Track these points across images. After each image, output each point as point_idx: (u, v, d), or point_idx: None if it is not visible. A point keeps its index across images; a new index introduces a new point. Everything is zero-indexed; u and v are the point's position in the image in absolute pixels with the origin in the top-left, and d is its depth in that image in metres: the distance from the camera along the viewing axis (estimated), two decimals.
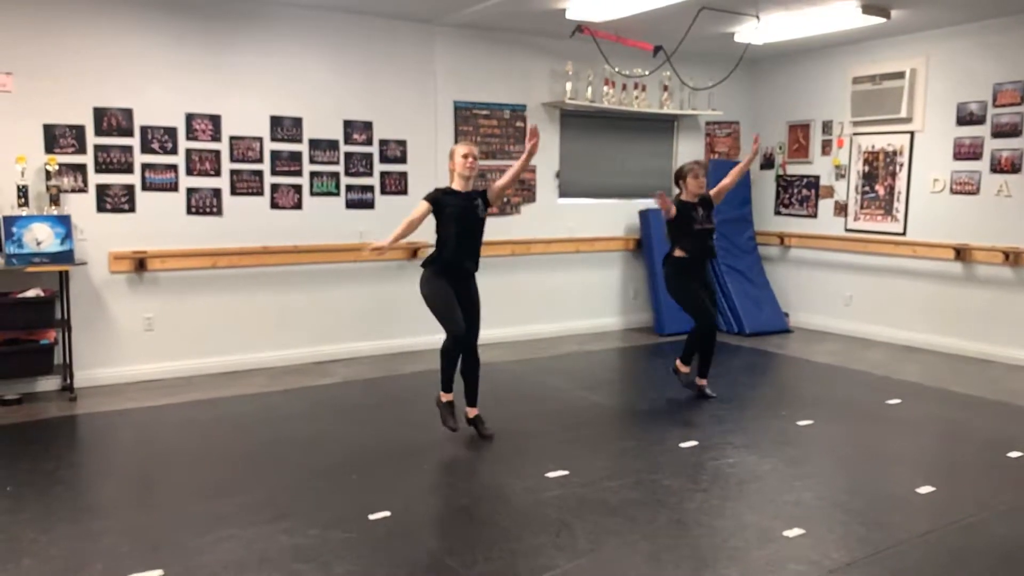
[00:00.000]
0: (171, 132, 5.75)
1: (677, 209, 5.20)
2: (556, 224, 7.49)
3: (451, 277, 4.49)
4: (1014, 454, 4.32)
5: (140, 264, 5.69)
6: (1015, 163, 6.39)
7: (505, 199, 7.21)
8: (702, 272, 5.34)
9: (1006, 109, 6.43)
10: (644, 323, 8.03)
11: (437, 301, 4.46)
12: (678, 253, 5.26)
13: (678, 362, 5.46)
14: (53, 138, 5.38)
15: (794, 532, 3.35)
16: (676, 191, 5.47)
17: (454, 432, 4.50)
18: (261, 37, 6.01)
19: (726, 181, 5.41)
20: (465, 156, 4.50)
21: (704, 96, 7.83)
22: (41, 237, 5.16)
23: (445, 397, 4.54)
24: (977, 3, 6.03)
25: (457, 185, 4.54)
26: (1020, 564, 3.14)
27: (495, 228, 7.06)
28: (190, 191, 5.86)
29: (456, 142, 6.70)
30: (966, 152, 6.72)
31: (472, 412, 4.64)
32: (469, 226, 4.51)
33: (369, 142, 6.52)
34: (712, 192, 5.36)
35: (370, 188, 6.55)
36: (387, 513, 3.50)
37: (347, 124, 6.41)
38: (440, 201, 4.47)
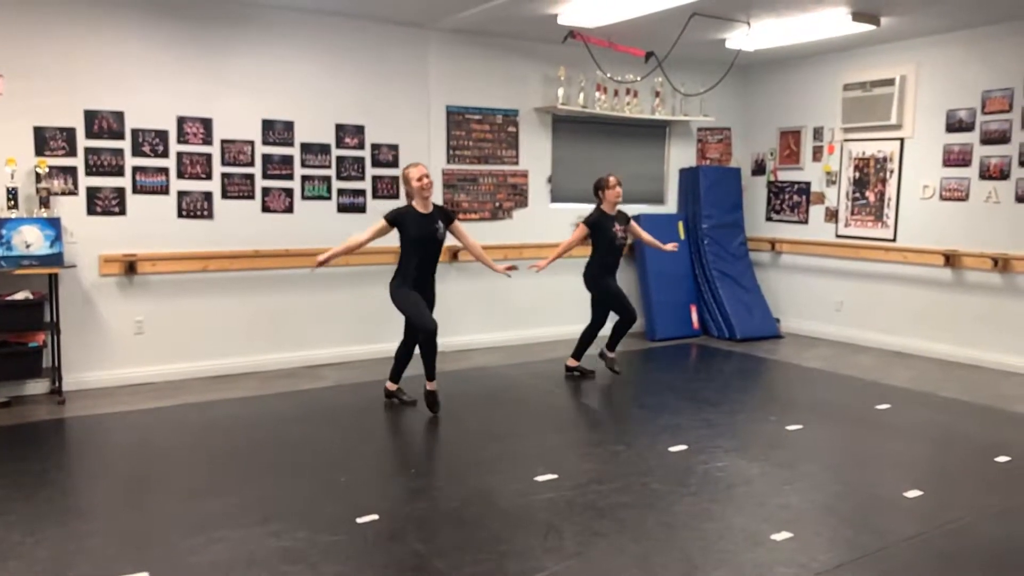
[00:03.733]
0: (162, 135, 5.75)
1: (597, 222, 5.82)
2: (548, 229, 7.49)
3: (416, 286, 4.96)
4: (1002, 458, 4.34)
5: (130, 267, 5.68)
6: (1003, 170, 6.44)
7: (497, 204, 7.23)
8: (610, 270, 6.02)
9: (995, 116, 6.48)
10: (636, 328, 7.99)
11: (409, 306, 4.91)
12: (598, 259, 5.92)
13: (570, 360, 6.16)
14: (43, 140, 5.37)
15: (782, 535, 3.35)
16: (596, 201, 5.97)
17: (413, 404, 5.06)
18: (253, 40, 6.01)
19: (645, 237, 6.22)
20: (419, 180, 4.83)
21: (696, 102, 7.87)
22: (31, 239, 5.15)
23: (393, 386, 5.14)
24: (966, 11, 6.08)
25: (418, 206, 4.87)
26: (1008, 567, 3.15)
27: (488, 232, 7.09)
28: (181, 194, 5.86)
29: (457, 145, 6.85)
30: (955, 159, 6.76)
31: (431, 385, 5.00)
32: (429, 251, 4.94)
33: (361, 146, 6.52)
34: (634, 227, 6.07)
35: (362, 192, 6.55)
36: (375, 516, 3.50)
37: (339, 128, 6.42)
38: (402, 223, 4.83)
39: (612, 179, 5.88)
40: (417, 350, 5.05)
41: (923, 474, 4.26)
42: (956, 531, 3.44)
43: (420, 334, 4.88)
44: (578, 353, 6.14)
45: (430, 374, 5.02)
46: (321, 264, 4.89)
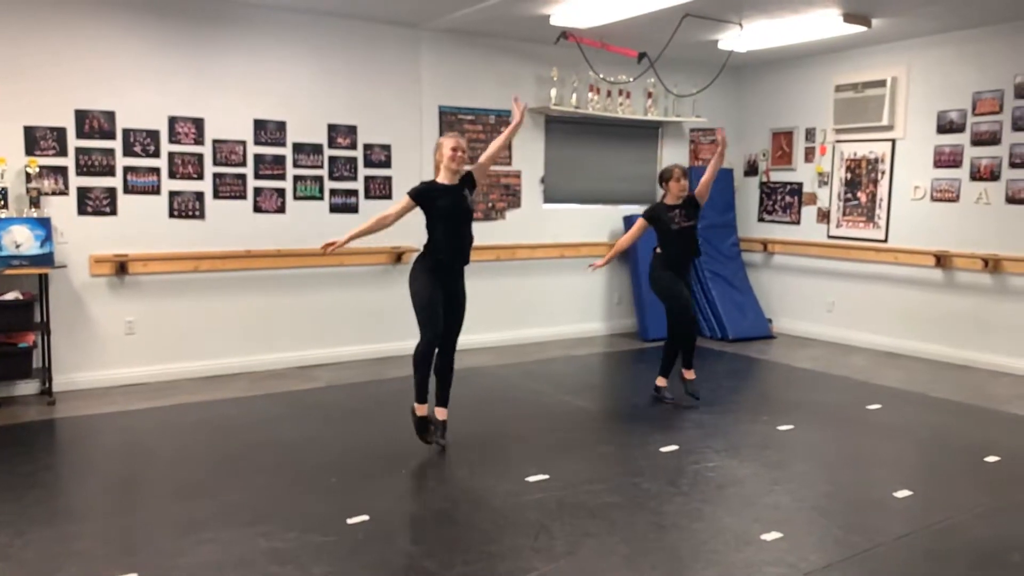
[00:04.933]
0: (154, 135, 5.73)
1: (653, 214, 5.37)
2: (541, 229, 7.50)
3: (441, 274, 4.38)
4: (991, 458, 4.36)
5: (121, 267, 5.66)
6: (994, 171, 6.47)
7: (490, 204, 7.22)
8: (684, 271, 5.39)
9: (985, 118, 6.51)
10: (628, 328, 8.06)
11: (422, 301, 4.31)
12: (659, 251, 5.38)
13: (659, 380, 5.49)
14: (34, 140, 5.34)
15: (772, 535, 3.36)
16: (660, 192, 5.54)
17: (438, 444, 4.41)
18: (245, 40, 6.00)
19: (705, 177, 5.38)
20: (454, 149, 4.34)
21: (688, 103, 7.88)
22: (21, 240, 5.13)
23: (420, 410, 4.37)
24: (957, 13, 6.11)
25: (443, 178, 4.41)
26: (996, 567, 3.16)
27: (481, 233, 7.04)
28: (172, 194, 5.84)
29: (442, 134, 6.71)
30: (946, 160, 6.79)
31: (441, 414, 4.50)
32: (458, 222, 4.40)
33: (353, 146, 6.51)
34: (696, 192, 5.38)
35: (354, 192, 6.54)
36: (366, 517, 3.49)
37: (331, 128, 6.41)
38: (427, 196, 4.35)
39: (677, 170, 5.33)
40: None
41: (913, 474, 4.27)
42: (945, 531, 3.46)
43: (420, 341, 4.31)
44: (665, 370, 5.49)
45: (441, 398, 4.52)
46: (336, 245, 4.32)
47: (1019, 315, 6.36)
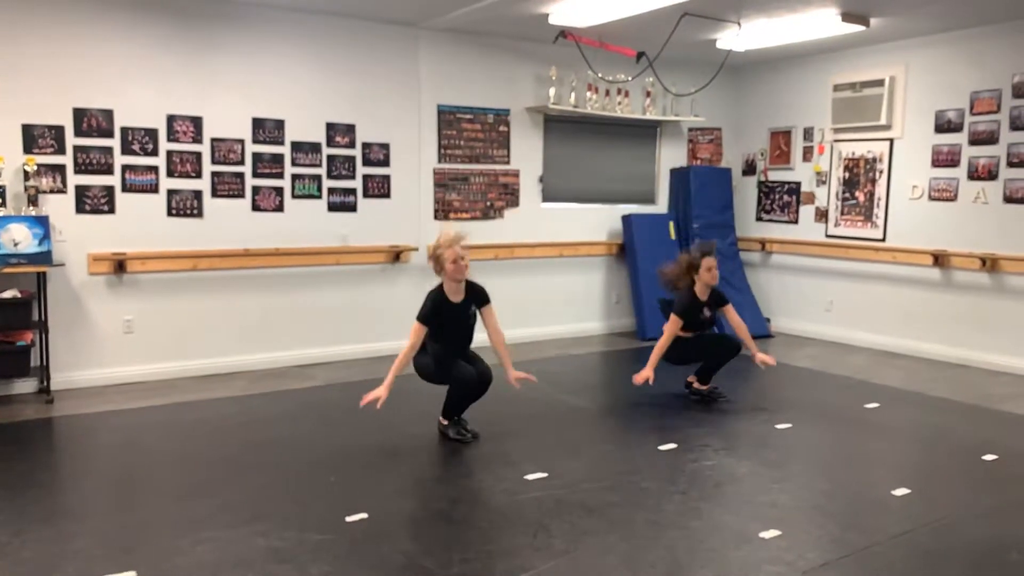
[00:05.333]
0: (152, 133, 5.73)
1: (687, 309, 5.21)
2: (539, 228, 7.50)
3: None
4: (989, 457, 4.37)
5: (119, 266, 5.65)
6: (992, 170, 6.47)
7: (489, 203, 7.23)
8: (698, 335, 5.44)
9: (983, 117, 6.52)
10: (626, 327, 8.06)
11: (433, 372, 4.44)
12: (681, 334, 5.26)
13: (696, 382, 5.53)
14: (32, 138, 5.34)
15: (770, 533, 3.37)
16: (686, 281, 5.29)
17: (475, 437, 4.52)
18: (244, 39, 6.00)
19: (740, 330, 5.35)
20: (455, 263, 4.27)
21: (686, 102, 7.88)
22: (19, 238, 5.12)
23: (444, 421, 4.53)
24: (955, 12, 6.11)
25: (450, 291, 4.37)
26: (993, 565, 3.17)
27: (479, 232, 7.09)
28: (171, 193, 5.84)
29: (447, 148, 6.71)
30: (944, 159, 6.80)
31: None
32: (461, 333, 4.48)
33: (352, 145, 6.51)
34: (730, 312, 5.35)
35: (352, 191, 6.54)
36: (364, 515, 3.49)
37: (330, 127, 6.40)
38: (436, 317, 4.34)
39: (710, 260, 5.15)
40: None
41: (911, 473, 4.28)
42: (943, 529, 3.46)
43: (473, 388, 4.43)
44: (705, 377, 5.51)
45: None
46: (381, 399, 4.22)
47: (1017, 314, 6.37)
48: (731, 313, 5.36)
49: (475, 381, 4.43)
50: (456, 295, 4.40)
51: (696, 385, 5.50)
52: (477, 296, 4.49)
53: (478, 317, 4.52)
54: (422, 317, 4.33)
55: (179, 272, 5.90)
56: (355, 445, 4.49)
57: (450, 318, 4.37)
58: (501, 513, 3.58)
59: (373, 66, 6.54)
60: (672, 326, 5.21)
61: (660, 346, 5.21)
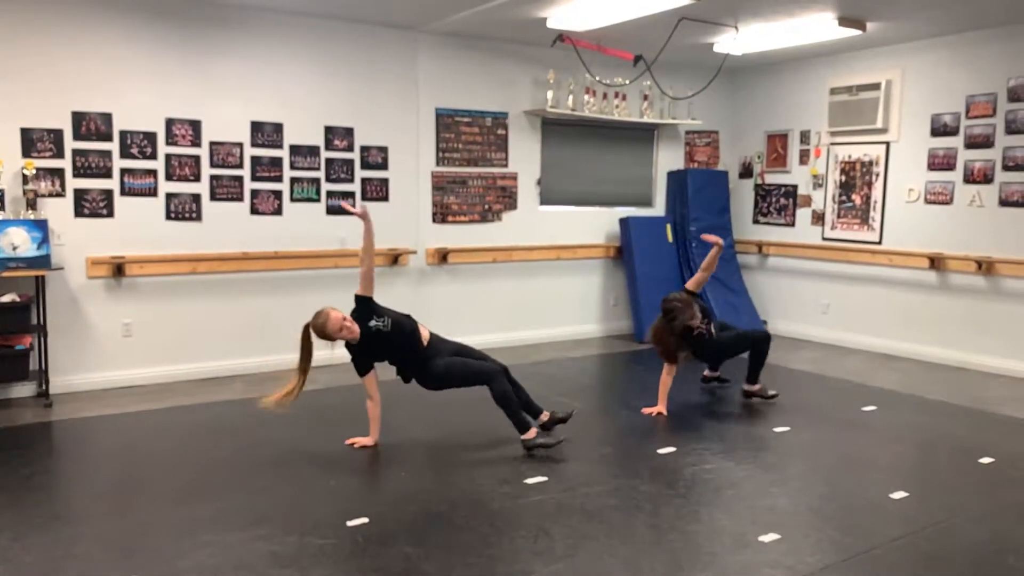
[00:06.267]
0: (151, 137, 5.73)
1: (680, 346, 5.21)
2: (537, 231, 7.52)
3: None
4: (986, 460, 4.39)
5: (118, 269, 5.65)
6: (987, 174, 6.51)
7: (487, 206, 7.24)
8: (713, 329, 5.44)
9: (979, 120, 6.55)
10: (624, 330, 8.08)
11: (453, 375, 4.41)
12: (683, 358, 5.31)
13: (745, 385, 5.61)
14: (30, 142, 5.34)
15: (769, 537, 3.38)
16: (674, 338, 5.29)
17: (564, 440, 4.44)
18: (242, 43, 6.00)
19: (700, 275, 5.39)
20: (341, 329, 4.28)
21: (684, 105, 7.91)
22: (17, 242, 5.12)
23: (531, 434, 4.37)
24: (951, 17, 6.15)
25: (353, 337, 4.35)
26: (990, 568, 3.18)
27: (477, 234, 7.11)
28: (169, 196, 5.84)
29: (446, 148, 6.70)
30: (940, 163, 6.83)
31: (545, 416, 4.60)
32: (404, 343, 4.43)
33: (350, 148, 6.52)
34: (692, 284, 5.39)
35: (351, 195, 6.54)
36: (365, 519, 3.50)
37: (328, 130, 6.41)
38: (370, 357, 4.39)
39: (689, 312, 5.16)
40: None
41: (908, 476, 4.30)
42: (940, 532, 3.48)
43: (493, 385, 4.35)
44: (752, 377, 5.57)
45: (532, 410, 4.59)
46: (370, 446, 4.41)
47: (1013, 317, 6.40)
48: (701, 277, 5.38)
49: (498, 369, 4.43)
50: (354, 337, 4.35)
51: (746, 387, 5.59)
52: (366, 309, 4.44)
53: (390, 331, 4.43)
54: (362, 369, 4.42)
55: (178, 276, 5.90)
56: (355, 449, 4.49)
57: (380, 345, 4.36)
58: (502, 517, 3.59)
59: (372, 70, 6.55)
60: (669, 370, 5.26)
61: (664, 384, 5.25)
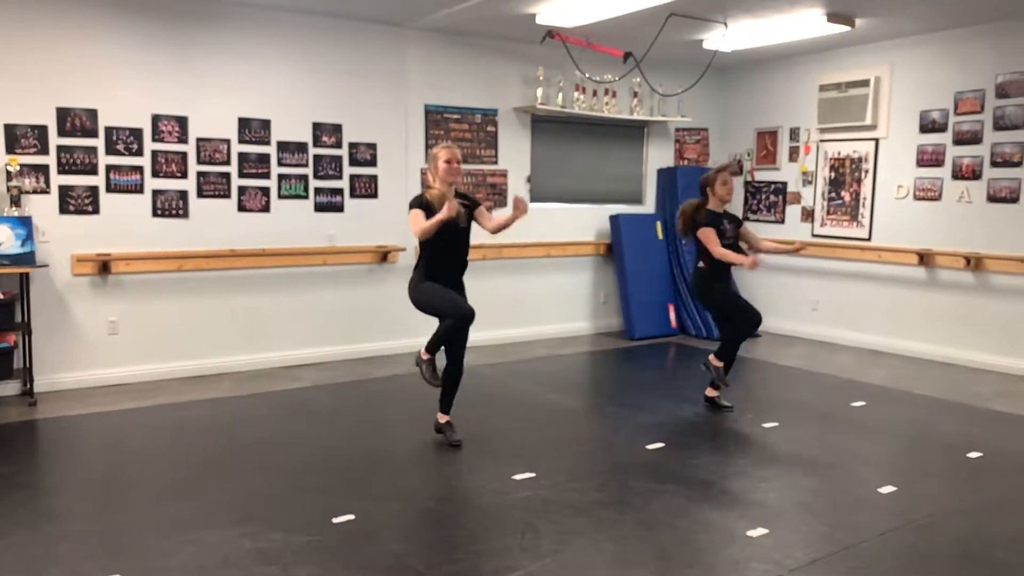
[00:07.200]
0: (137, 133, 5.68)
1: (706, 218, 4.97)
2: (528, 229, 7.47)
3: (439, 282, 4.34)
4: (974, 454, 4.40)
5: (104, 267, 5.61)
6: (975, 170, 6.52)
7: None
8: (729, 277, 5.24)
9: (967, 117, 6.56)
10: (614, 327, 8.07)
11: (432, 298, 4.29)
12: (701, 265, 5.09)
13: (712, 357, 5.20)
14: (14, 138, 5.29)
15: (758, 532, 3.37)
16: (702, 199, 5.11)
17: (437, 386, 4.39)
18: (230, 39, 5.96)
19: (765, 246, 5.34)
20: (448, 162, 4.28)
21: (673, 102, 7.90)
22: (1, 239, 5.07)
23: (426, 356, 4.33)
24: (939, 14, 6.16)
25: (440, 192, 4.31)
26: (978, 561, 3.19)
27: None
28: (156, 193, 5.79)
29: (435, 144, 6.65)
30: (928, 159, 6.84)
31: (444, 418, 4.55)
32: (454, 244, 4.34)
33: (338, 145, 6.49)
34: (747, 231, 5.22)
35: (339, 191, 6.51)
36: (351, 516, 3.48)
37: (316, 126, 6.38)
38: (427, 208, 4.26)
39: (724, 175, 4.99)
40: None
41: (897, 470, 4.30)
42: (929, 526, 3.48)
43: (453, 320, 4.21)
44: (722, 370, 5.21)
45: (445, 405, 4.53)
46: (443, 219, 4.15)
47: (1001, 312, 6.42)
48: (748, 232, 5.26)
49: (471, 317, 4.28)
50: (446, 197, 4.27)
51: (713, 360, 5.13)
52: (467, 199, 4.45)
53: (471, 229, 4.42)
54: (412, 202, 4.32)
55: (164, 273, 5.86)
56: (342, 446, 4.47)
57: (444, 226, 4.18)
58: (489, 513, 3.57)
59: (360, 66, 6.52)
60: (709, 238, 4.92)
61: (724, 255, 4.91)
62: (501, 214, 7.30)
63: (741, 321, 5.06)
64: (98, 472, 4.15)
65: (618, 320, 8.06)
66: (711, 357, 5.18)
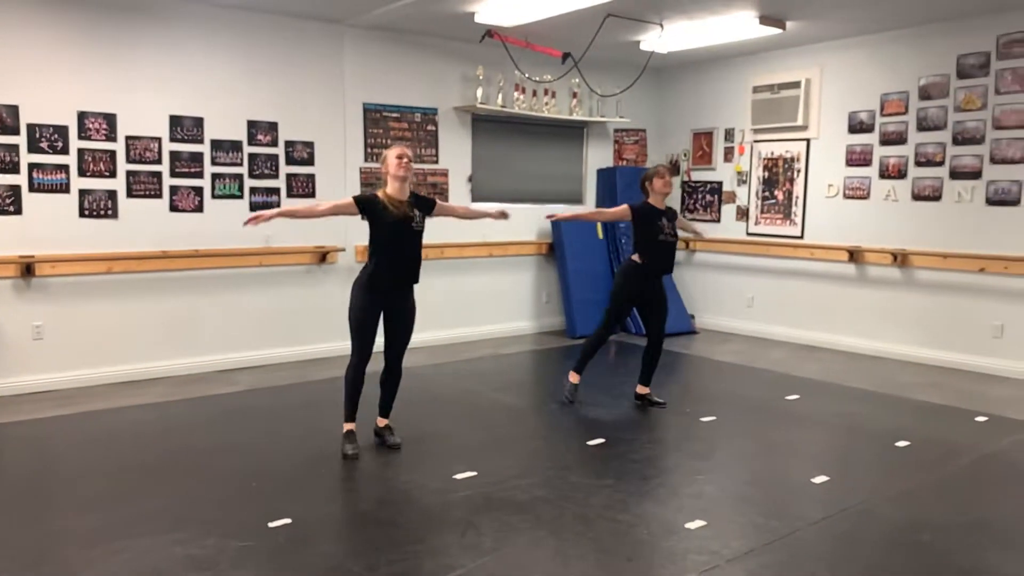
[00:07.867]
0: (61, 131, 5.48)
1: (642, 212, 5.05)
2: (469, 228, 7.46)
3: (383, 291, 4.20)
4: (901, 443, 4.54)
5: (27, 269, 5.39)
6: (901, 169, 6.75)
7: None
8: (655, 283, 5.17)
9: (892, 118, 6.79)
10: (556, 326, 8.11)
11: (355, 320, 4.18)
12: (635, 258, 5.12)
13: (571, 373, 5.38)
14: None
15: (696, 524, 3.42)
16: (642, 197, 5.16)
17: (352, 458, 4.19)
18: (160, 33, 5.80)
19: (693, 228, 5.68)
20: (399, 157, 4.15)
21: (612, 103, 7.98)
22: None
23: (348, 427, 4.28)
24: (866, 17, 6.35)
25: (392, 190, 4.18)
26: (907, 545, 3.29)
27: None
28: (83, 192, 5.60)
29: (374, 143, 6.63)
30: (857, 159, 7.05)
31: (382, 422, 4.49)
32: (405, 245, 4.19)
33: (274, 143, 6.37)
34: (683, 221, 5.40)
35: (275, 190, 6.39)
36: (288, 520, 3.40)
37: (251, 124, 6.25)
38: (373, 208, 4.14)
39: (663, 169, 5.05)
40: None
41: (829, 460, 4.42)
42: (859, 513, 3.58)
43: (351, 361, 4.23)
44: (580, 365, 5.37)
45: (384, 409, 4.48)
46: (268, 218, 4.21)
47: (926, 306, 6.65)
48: (682, 220, 5.38)
49: (363, 364, 4.22)
50: (399, 195, 4.18)
51: (640, 390, 5.33)
52: (422, 201, 4.30)
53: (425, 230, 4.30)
54: (357, 196, 4.26)
55: (92, 275, 5.66)
56: (278, 450, 4.38)
57: (391, 222, 4.12)
58: (429, 513, 3.54)
59: (296, 63, 6.41)
60: (619, 211, 5.14)
61: (590, 213, 5.48)
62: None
63: (605, 326, 5.29)
64: (21, 483, 3.97)
65: (560, 319, 8.10)
66: (638, 389, 5.36)
